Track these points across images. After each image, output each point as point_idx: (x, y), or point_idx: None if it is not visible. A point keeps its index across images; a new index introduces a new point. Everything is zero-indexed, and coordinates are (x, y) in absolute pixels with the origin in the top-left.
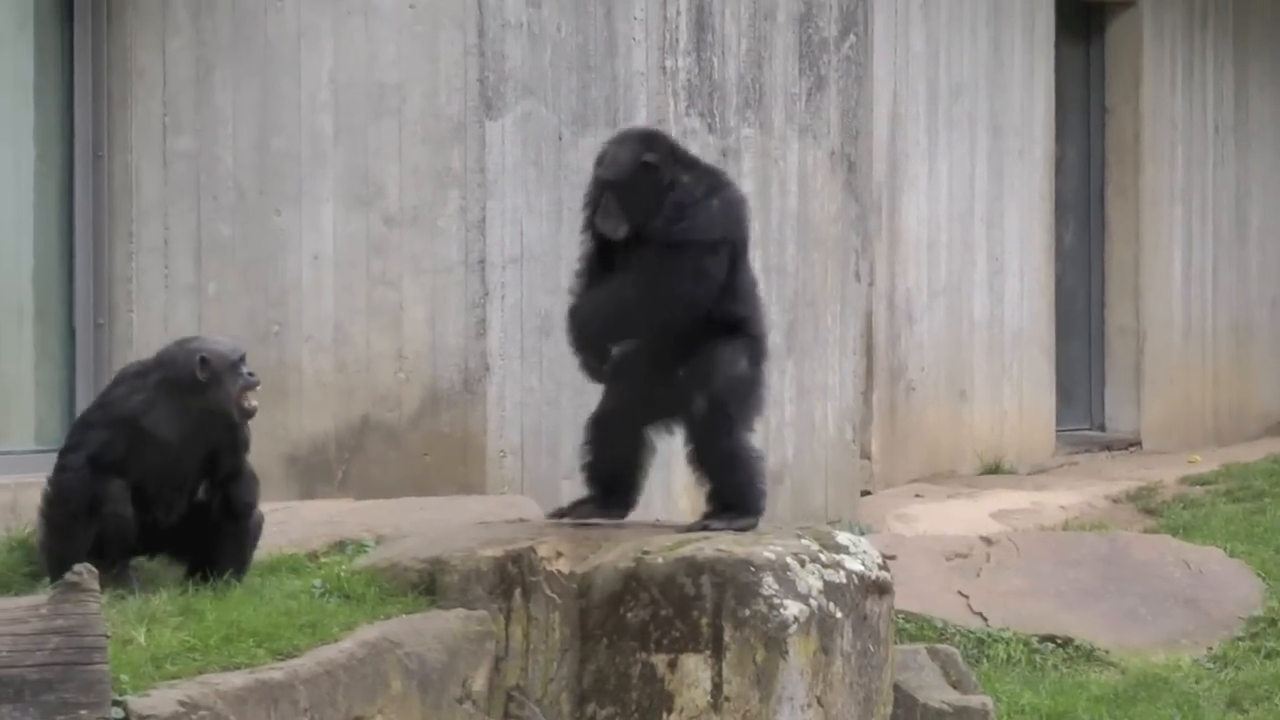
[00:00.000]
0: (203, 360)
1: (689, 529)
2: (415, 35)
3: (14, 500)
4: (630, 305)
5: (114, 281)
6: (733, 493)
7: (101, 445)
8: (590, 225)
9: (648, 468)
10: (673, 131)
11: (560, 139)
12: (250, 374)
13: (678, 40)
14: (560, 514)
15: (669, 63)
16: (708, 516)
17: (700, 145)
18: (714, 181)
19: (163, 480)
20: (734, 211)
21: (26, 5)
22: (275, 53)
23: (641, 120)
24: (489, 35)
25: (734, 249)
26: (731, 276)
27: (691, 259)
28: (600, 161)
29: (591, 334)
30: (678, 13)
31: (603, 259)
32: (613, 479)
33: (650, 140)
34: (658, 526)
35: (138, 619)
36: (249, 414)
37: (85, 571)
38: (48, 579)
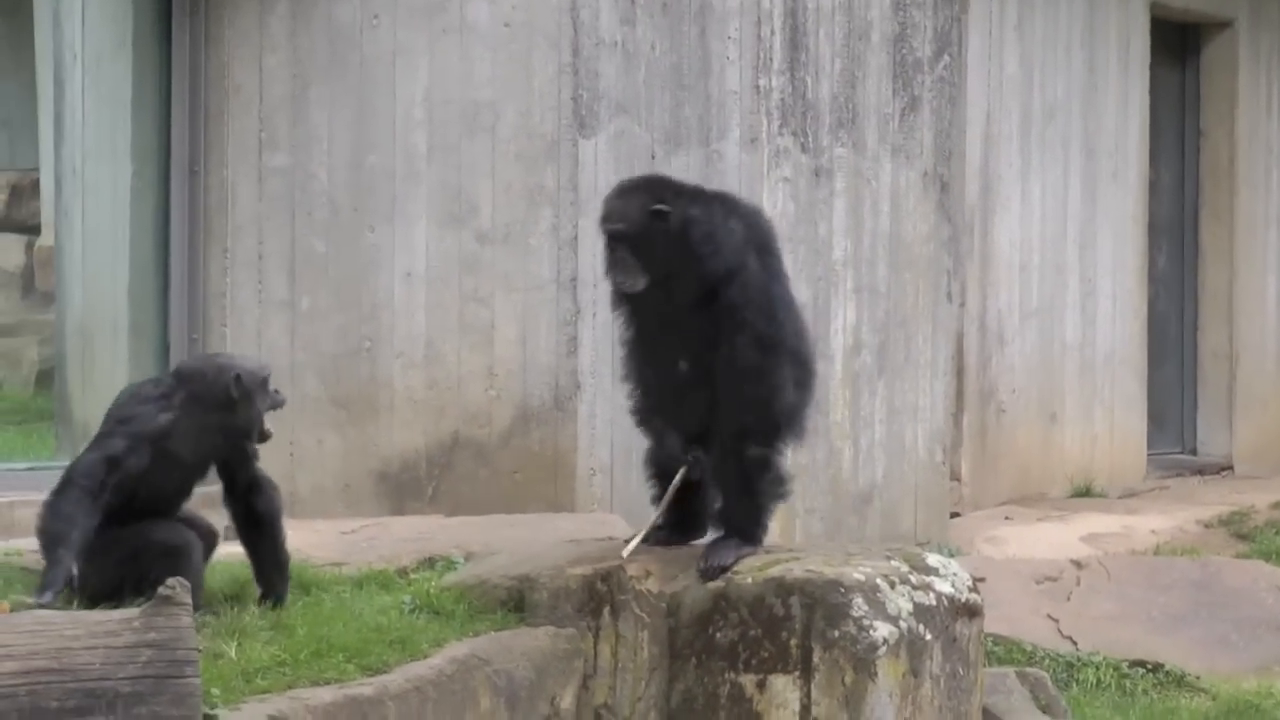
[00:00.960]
0: (237, 378)
1: (703, 572)
2: (510, 54)
3: None
4: (760, 341)
5: (208, 296)
6: (743, 519)
7: (122, 451)
8: (616, 293)
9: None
10: (765, 151)
11: (653, 157)
12: (277, 392)
13: (771, 60)
14: (631, 539)
15: (763, 82)
16: (713, 549)
17: (793, 165)
18: (727, 205)
19: (159, 494)
20: (752, 224)
21: (125, 23)
22: (370, 71)
23: (735, 140)
24: (583, 54)
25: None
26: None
27: (754, 270)
28: (606, 217)
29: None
30: (772, 32)
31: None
32: (683, 509)
33: (653, 186)
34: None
35: (229, 633)
36: (267, 437)
37: (178, 585)
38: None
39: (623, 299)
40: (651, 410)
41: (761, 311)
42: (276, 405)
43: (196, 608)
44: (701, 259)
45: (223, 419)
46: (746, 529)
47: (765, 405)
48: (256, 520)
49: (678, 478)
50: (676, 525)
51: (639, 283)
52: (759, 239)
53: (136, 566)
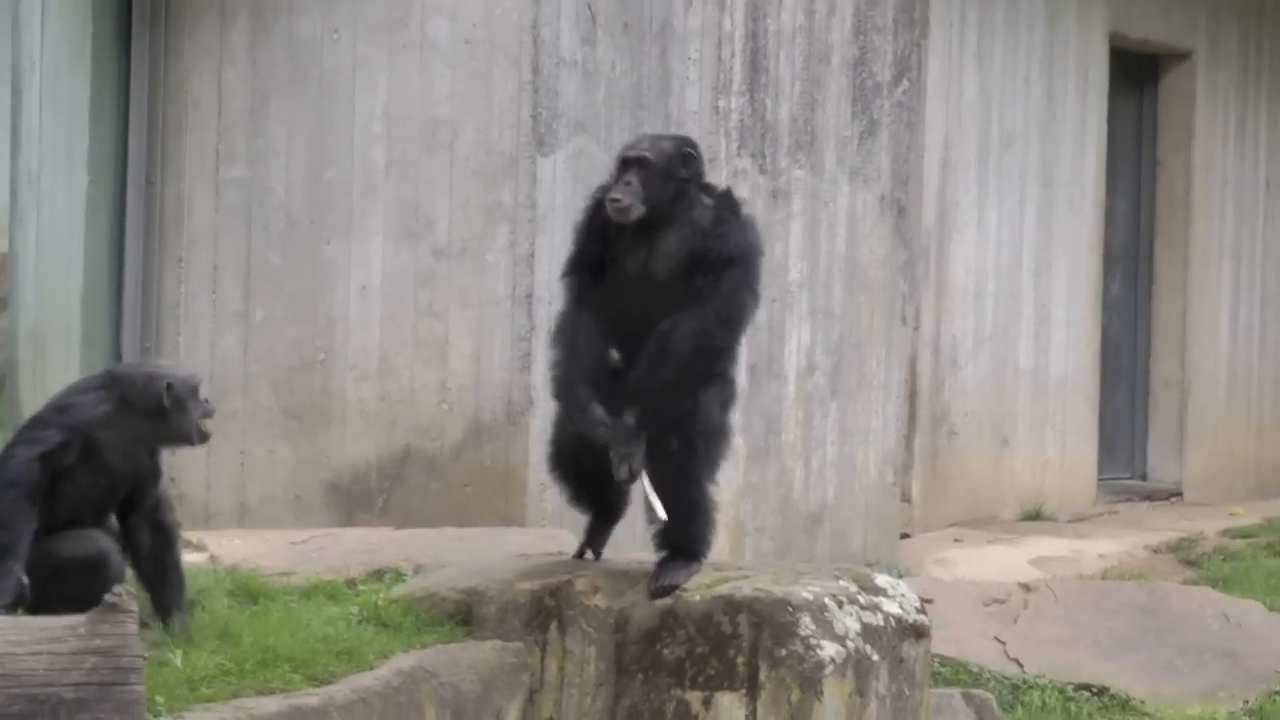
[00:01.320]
0: (169, 386)
1: (653, 593)
2: (470, 71)
3: None
4: (711, 335)
5: (162, 307)
6: (689, 538)
7: (56, 446)
8: (579, 256)
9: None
10: (724, 171)
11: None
12: (207, 400)
13: (731, 81)
14: (582, 550)
15: (722, 103)
16: (661, 569)
17: (751, 186)
18: (739, 206)
19: (84, 503)
20: (758, 235)
21: (85, 33)
22: (330, 85)
23: None
24: (543, 72)
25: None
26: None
27: (751, 274)
28: (633, 145)
29: (668, 383)
30: (732, 54)
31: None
32: (599, 495)
33: (691, 143)
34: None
35: (175, 641)
36: (207, 437)
37: (124, 592)
38: None
39: (581, 264)
40: (578, 379)
41: (727, 312)
42: (208, 414)
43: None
44: (718, 238)
45: (155, 427)
46: (693, 547)
47: (675, 398)
48: (166, 537)
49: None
50: (601, 513)
51: (636, 210)
52: (754, 245)
53: (58, 584)
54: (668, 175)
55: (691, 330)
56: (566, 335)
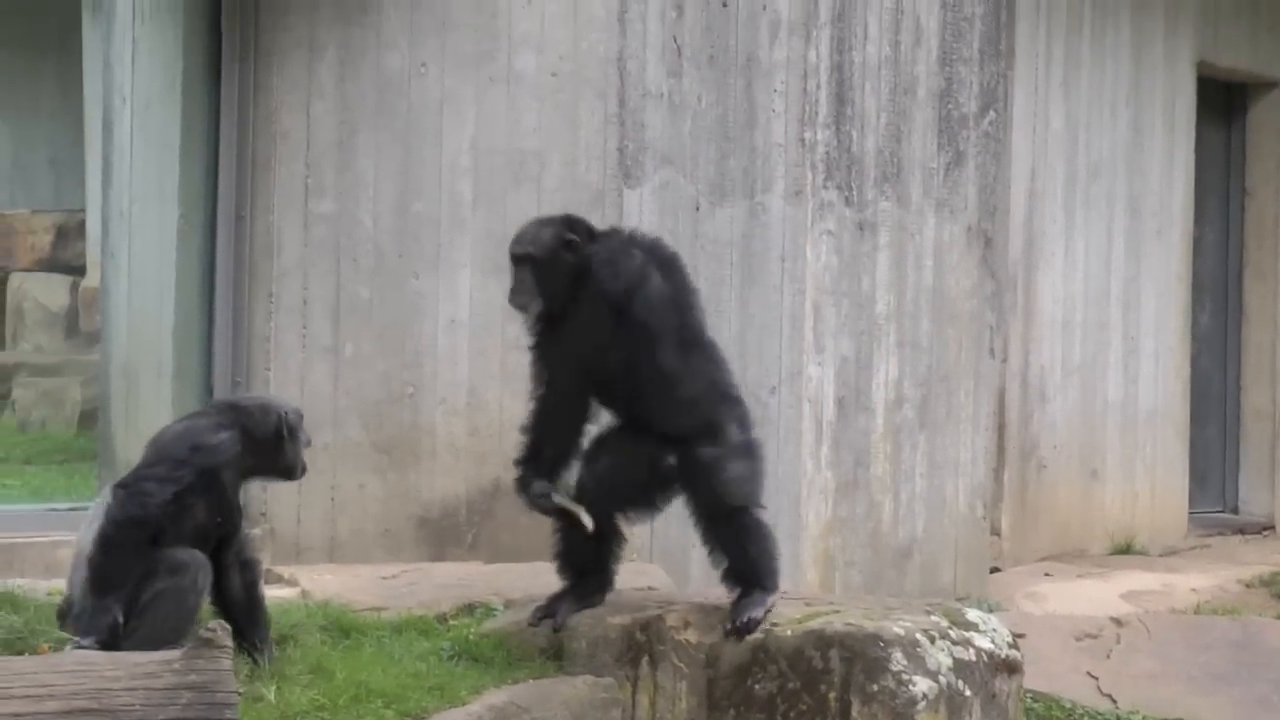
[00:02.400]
0: (285, 415)
1: (733, 632)
2: (556, 104)
3: None
4: (680, 364)
5: (253, 340)
6: (751, 571)
7: (188, 486)
8: (531, 334)
9: (621, 555)
10: (810, 204)
11: (697, 209)
12: (305, 432)
13: (817, 113)
14: (543, 615)
15: (808, 135)
16: (739, 606)
17: (837, 218)
18: (629, 237)
19: (197, 538)
20: (656, 253)
21: (175, 68)
22: (417, 119)
23: (779, 192)
24: (629, 104)
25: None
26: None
27: (639, 303)
28: (517, 240)
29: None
30: (818, 86)
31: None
32: (587, 567)
33: (568, 221)
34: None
35: (268, 677)
36: (305, 470)
37: (219, 627)
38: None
39: (536, 348)
40: (522, 462)
41: (673, 316)
42: (308, 445)
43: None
44: (602, 282)
45: (267, 458)
46: (759, 578)
47: (695, 403)
48: (254, 573)
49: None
50: (581, 584)
51: (533, 305)
52: (661, 260)
53: (149, 583)
54: (555, 264)
55: (662, 356)
56: (535, 415)
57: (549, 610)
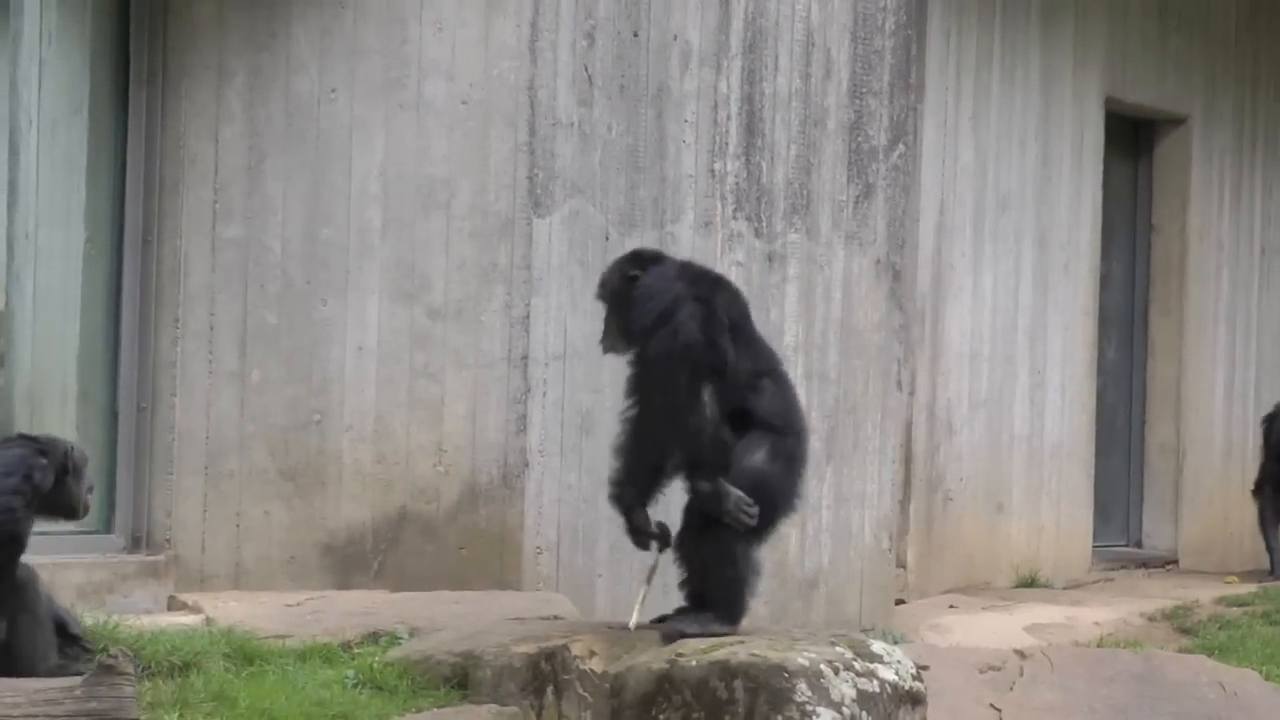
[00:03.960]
0: (73, 449)
1: (665, 633)
2: (466, 131)
3: (51, 580)
4: (638, 418)
5: (158, 365)
6: (710, 590)
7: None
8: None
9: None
10: (719, 234)
11: (607, 238)
12: (90, 477)
13: (727, 144)
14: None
15: (718, 166)
16: (681, 614)
17: (746, 249)
18: (676, 267)
19: None
20: (701, 283)
21: (82, 90)
22: (327, 144)
23: (689, 223)
24: (540, 133)
25: (723, 315)
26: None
27: (659, 334)
28: (600, 283)
29: (624, 472)
30: (728, 117)
31: None
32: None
33: (637, 257)
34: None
35: (171, 704)
36: (87, 511)
37: (120, 654)
38: None
39: (630, 367)
40: (624, 483)
41: (683, 369)
42: (91, 489)
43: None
44: (636, 312)
45: (56, 493)
46: (720, 605)
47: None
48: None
49: (653, 559)
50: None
51: (617, 346)
52: (703, 292)
53: None
54: (621, 299)
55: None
56: (622, 440)
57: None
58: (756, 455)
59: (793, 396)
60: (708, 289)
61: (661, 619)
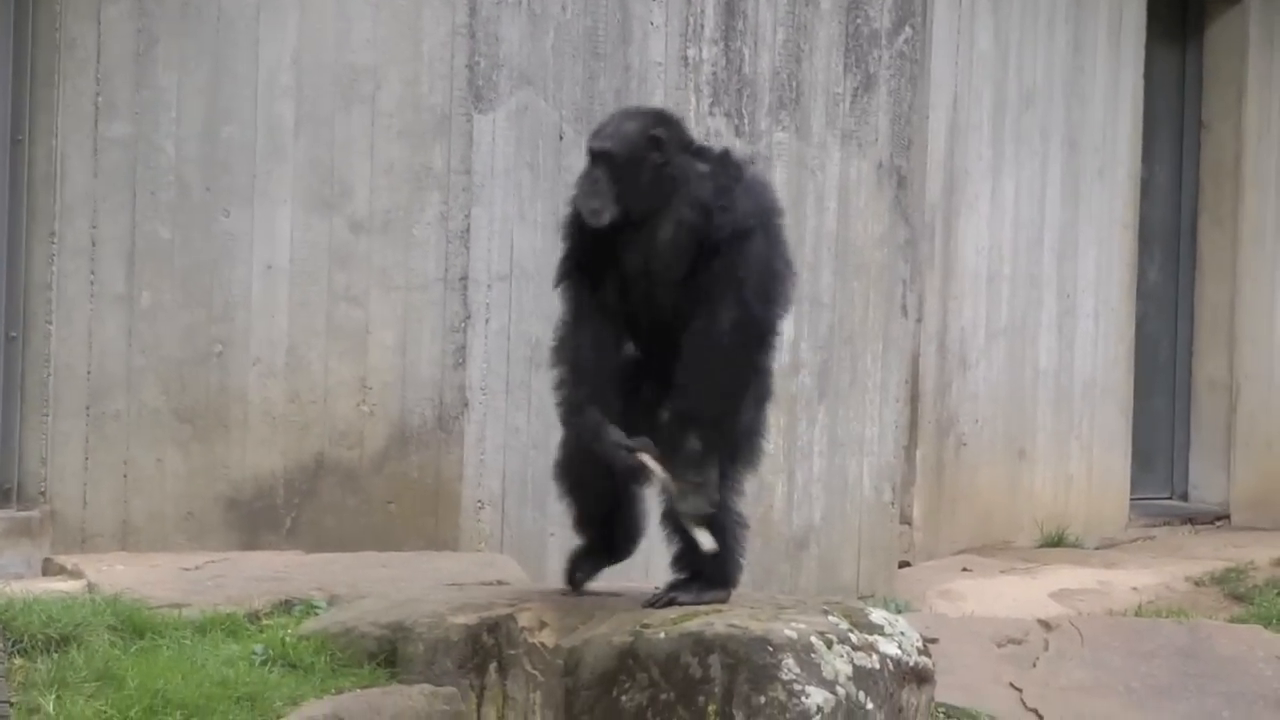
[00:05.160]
0: None
1: (652, 601)
2: (395, 11)
3: None
4: (752, 324)
5: (30, 288)
6: (708, 558)
7: None
8: (568, 259)
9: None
10: (693, 133)
11: (561, 138)
12: None
13: (703, 27)
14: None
15: (691, 52)
16: (674, 586)
17: None
18: (742, 167)
19: None
20: (772, 194)
21: None
22: (230, 26)
23: None
24: (481, 14)
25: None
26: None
27: (774, 240)
28: (598, 133)
29: (720, 392)
30: None
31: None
32: (608, 518)
33: (663, 119)
34: (618, 596)
35: (47, 684)
36: None
37: None
38: None
39: (573, 267)
40: (586, 400)
41: (763, 290)
42: None
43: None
44: (712, 213)
45: None
46: (718, 570)
47: (733, 405)
48: None
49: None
50: (604, 544)
51: (606, 214)
52: (769, 206)
53: None
54: (638, 163)
55: (730, 323)
56: (568, 350)
57: (575, 569)
58: (749, 408)
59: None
60: (773, 204)
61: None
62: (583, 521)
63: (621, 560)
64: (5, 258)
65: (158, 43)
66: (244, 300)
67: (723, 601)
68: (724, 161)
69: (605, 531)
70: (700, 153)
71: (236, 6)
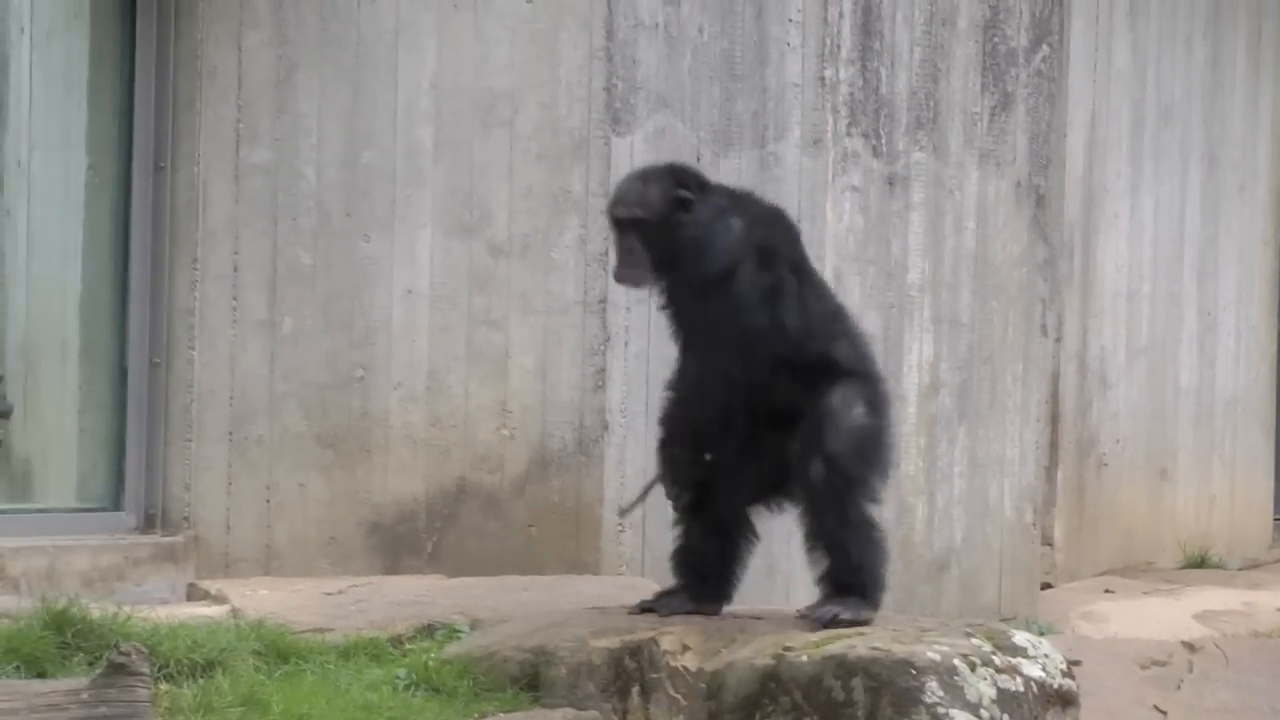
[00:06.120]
0: None
1: (808, 614)
2: (533, 35)
3: (51, 566)
4: (690, 385)
5: (174, 314)
6: (851, 574)
7: None
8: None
9: (747, 557)
10: (831, 154)
11: (699, 159)
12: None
13: (839, 47)
14: (644, 608)
15: (829, 73)
16: (821, 604)
17: (863, 171)
18: (730, 200)
19: None
20: (761, 222)
21: None
22: (369, 53)
23: (795, 140)
24: (619, 37)
25: (786, 266)
26: (799, 304)
27: (725, 294)
28: (619, 200)
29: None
30: (840, 15)
31: None
32: (707, 567)
33: (681, 175)
34: (759, 619)
35: (193, 708)
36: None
37: (134, 650)
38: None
39: (667, 308)
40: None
41: (764, 310)
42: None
43: None
44: (691, 263)
45: None
46: (860, 583)
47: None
48: None
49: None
50: (698, 585)
51: (643, 281)
52: (765, 237)
53: None
54: (667, 224)
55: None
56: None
57: (654, 604)
58: (855, 410)
59: (865, 338)
60: (768, 231)
61: (804, 613)
62: (683, 559)
63: (716, 608)
64: (149, 284)
65: (298, 69)
66: (384, 325)
67: (869, 623)
68: (717, 198)
69: (705, 576)
70: (713, 192)
71: (375, 32)
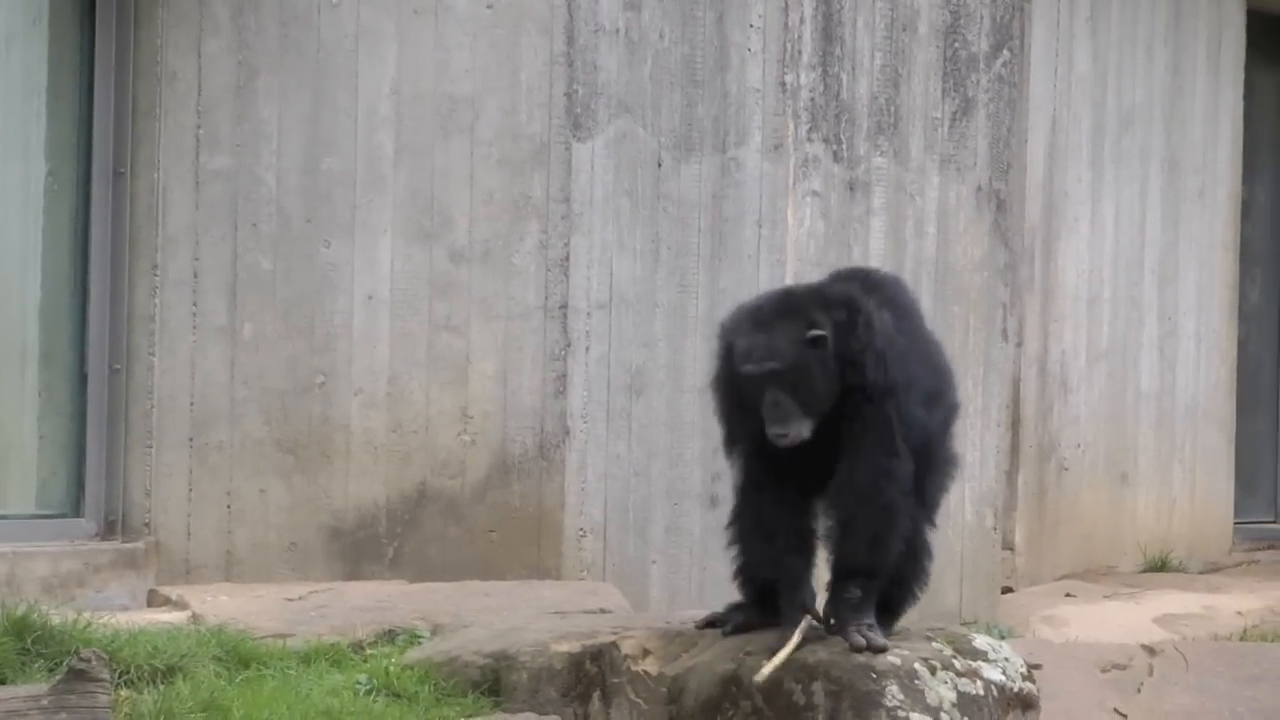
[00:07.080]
0: None
1: (833, 631)
2: (493, 41)
3: (11, 573)
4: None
5: (134, 320)
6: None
7: None
8: (733, 434)
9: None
10: (791, 159)
11: (660, 165)
12: None
13: (800, 52)
14: (710, 623)
15: (789, 78)
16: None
17: (824, 176)
18: (872, 290)
19: None
20: (889, 304)
21: None
22: (329, 59)
23: (755, 146)
24: (579, 42)
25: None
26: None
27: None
28: (747, 356)
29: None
30: (801, 20)
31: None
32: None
33: (800, 307)
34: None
35: (153, 714)
36: None
37: (93, 657)
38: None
39: (737, 439)
40: (769, 562)
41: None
42: None
43: None
44: (862, 368)
45: None
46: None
47: (884, 547)
48: None
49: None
50: (762, 601)
51: (804, 430)
52: (909, 323)
53: None
54: (812, 369)
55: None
56: (752, 512)
57: (722, 618)
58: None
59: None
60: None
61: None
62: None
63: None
64: (109, 290)
65: (258, 75)
66: (345, 331)
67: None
68: (851, 311)
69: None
70: (838, 297)
71: (335, 38)
